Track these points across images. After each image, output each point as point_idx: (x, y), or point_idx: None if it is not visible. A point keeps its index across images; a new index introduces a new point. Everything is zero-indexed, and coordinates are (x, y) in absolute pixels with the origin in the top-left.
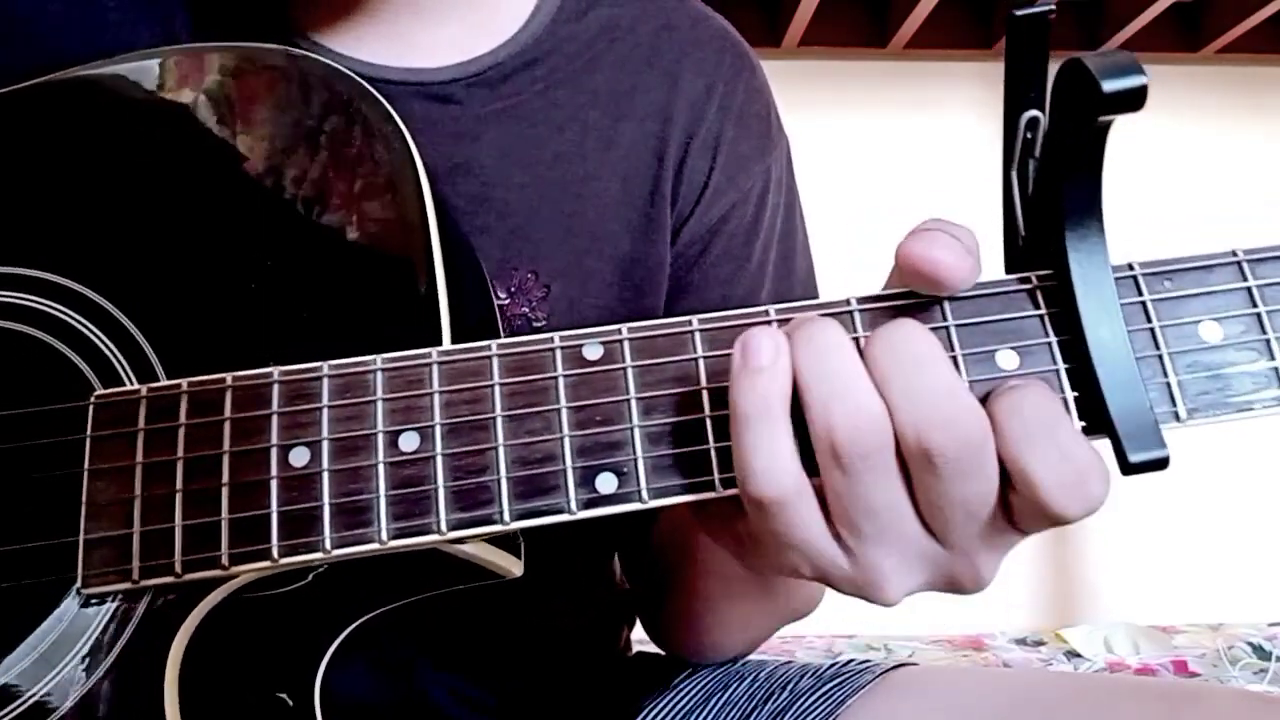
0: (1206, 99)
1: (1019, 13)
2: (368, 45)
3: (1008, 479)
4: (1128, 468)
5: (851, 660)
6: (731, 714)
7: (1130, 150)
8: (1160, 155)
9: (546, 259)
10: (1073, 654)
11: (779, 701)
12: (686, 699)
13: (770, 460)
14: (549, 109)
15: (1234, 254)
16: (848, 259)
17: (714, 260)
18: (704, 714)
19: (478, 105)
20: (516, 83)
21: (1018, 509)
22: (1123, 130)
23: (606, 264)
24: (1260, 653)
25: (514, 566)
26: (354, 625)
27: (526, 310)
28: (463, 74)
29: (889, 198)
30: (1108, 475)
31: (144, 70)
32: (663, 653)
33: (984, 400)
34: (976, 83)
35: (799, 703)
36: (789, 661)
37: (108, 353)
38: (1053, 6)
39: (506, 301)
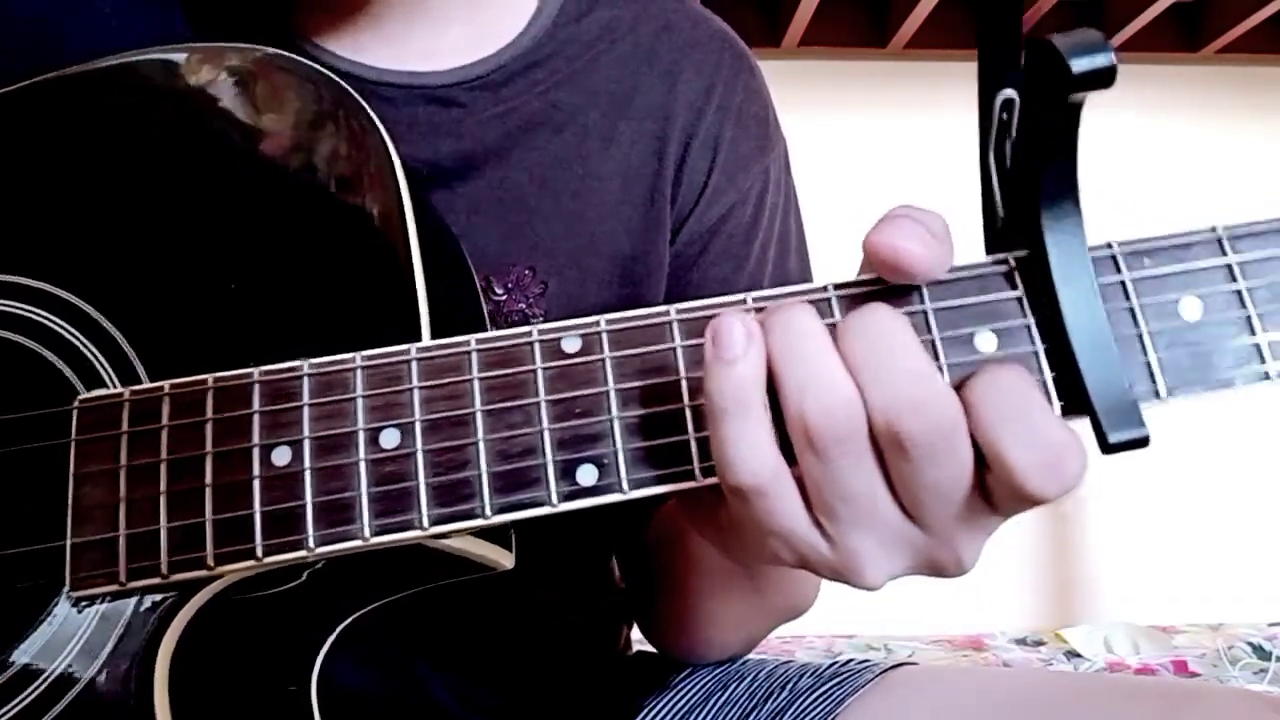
0: (1206, 99)
1: None
2: (370, 50)
3: (983, 462)
4: (1107, 447)
5: (851, 660)
6: (731, 713)
7: (1130, 150)
8: (1160, 155)
9: (544, 256)
10: (1073, 654)
11: (779, 701)
12: (686, 698)
13: (749, 450)
14: (549, 110)
15: (1213, 230)
16: (847, 258)
17: (713, 260)
18: (703, 713)
19: (480, 108)
20: (518, 85)
21: (994, 491)
22: (1122, 129)
23: (605, 262)
24: (1260, 653)
25: (504, 559)
26: (346, 623)
27: (524, 306)
28: (465, 77)
29: (889, 198)
30: (1085, 455)
31: (122, 73)
32: None
33: (962, 383)
34: (976, 83)
35: (799, 702)
36: (789, 661)
37: (90, 356)
38: None
39: (504, 298)
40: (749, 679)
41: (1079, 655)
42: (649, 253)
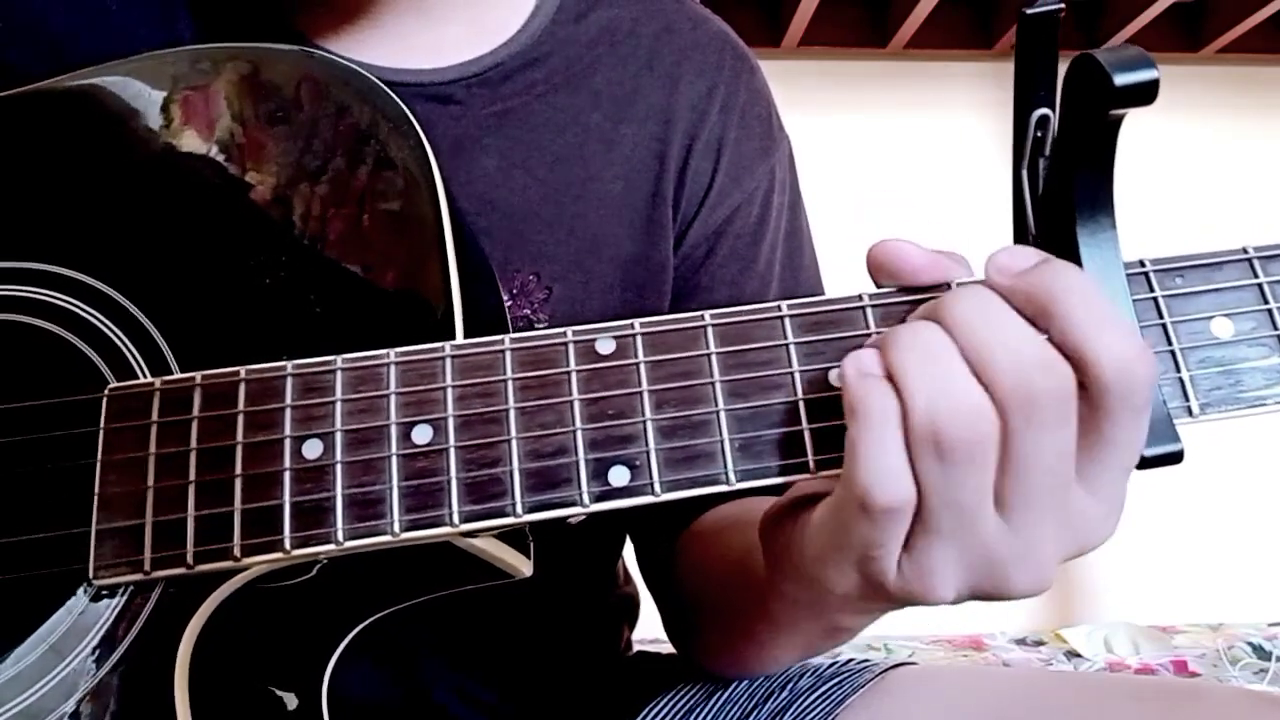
0: (1206, 99)
1: (1029, 11)
2: (369, 47)
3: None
4: (1142, 462)
5: (851, 659)
6: (732, 712)
7: (1130, 150)
8: (1161, 155)
9: (548, 261)
10: (1073, 654)
11: (779, 700)
12: (687, 698)
13: (892, 467)
14: (550, 111)
15: (1245, 251)
16: (848, 259)
17: (721, 261)
18: (704, 713)
19: (479, 106)
20: (517, 83)
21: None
22: (1122, 130)
23: (608, 265)
24: (1260, 653)
25: (524, 566)
26: (364, 624)
27: (528, 312)
28: (463, 75)
29: (889, 198)
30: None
31: (159, 71)
32: (663, 652)
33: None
34: (976, 83)
35: (799, 701)
36: None
37: (121, 346)
38: (1062, 5)
39: (509, 303)
40: (749, 679)
41: (1079, 655)
42: (651, 256)
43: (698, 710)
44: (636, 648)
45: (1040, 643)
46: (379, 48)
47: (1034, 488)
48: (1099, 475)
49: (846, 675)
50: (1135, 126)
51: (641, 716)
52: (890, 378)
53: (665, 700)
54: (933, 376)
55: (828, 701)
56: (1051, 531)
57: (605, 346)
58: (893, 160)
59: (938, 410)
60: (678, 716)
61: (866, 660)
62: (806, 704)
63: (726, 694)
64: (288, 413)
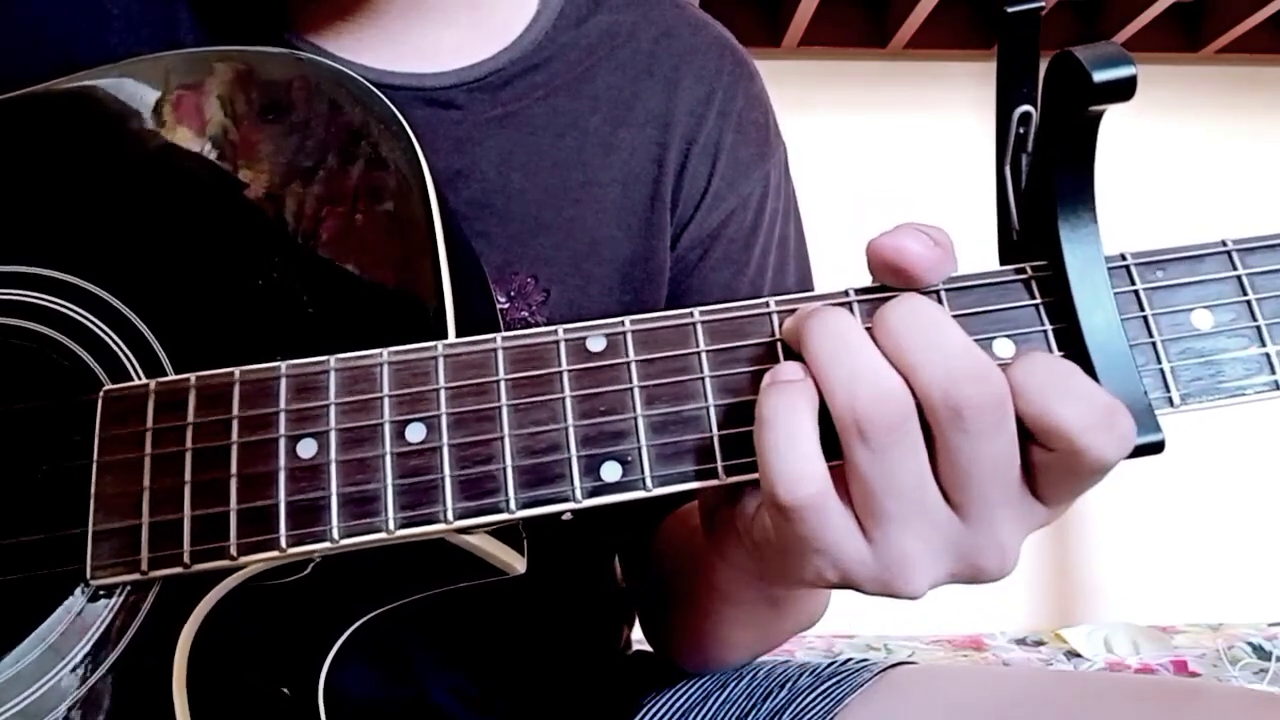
0: (1206, 99)
1: (1010, 9)
2: (369, 49)
3: (1029, 444)
4: None
5: (850, 659)
6: (730, 712)
7: (1130, 150)
8: (1160, 155)
9: (546, 263)
10: (1073, 654)
11: (778, 700)
12: (685, 697)
13: (800, 460)
14: (549, 115)
15: (1224, 243)
16: (847, 259)
17: (713, 265)
18: (703, 712)
19: (479, 110)
20: (517, 88)
21: (1045, 469)
22: (1123, 130)
23: (606, 268)
24: (1260, 653)
25: (517, 563)
26: (359, 622)
27: (526, 314)
28: (464, 79)
29: (889, 198)
30: (1129, 413)
31: (152, 74)
32: None
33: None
34: (976, 83)
35: (798, 701)
36: (788, 660)
37: (115, 348)
38: (1043, 3)
39: (506, 305)
40: (748, 678)
41: (1079, 655)
42: (649, 258)
43: (696, 709)
44: (636, 647)
45: (1040, 643)
46: (380, 50)
47: (979, 488)
48: (1044, 487)
49: (846, 674)
50: (1134, 127)
51: (640, 715)
52: (809, 367)
53: (664, 699)
54: (849, 364)
55: (827, 701)
56: (1009, 527)
57: (596, 344)
58: (892, 160)
59: (856, 395)
60: (676, 715)
61: (866, 660)
62: (805, 703)
63: (725, 693)
64: (282, 413)
